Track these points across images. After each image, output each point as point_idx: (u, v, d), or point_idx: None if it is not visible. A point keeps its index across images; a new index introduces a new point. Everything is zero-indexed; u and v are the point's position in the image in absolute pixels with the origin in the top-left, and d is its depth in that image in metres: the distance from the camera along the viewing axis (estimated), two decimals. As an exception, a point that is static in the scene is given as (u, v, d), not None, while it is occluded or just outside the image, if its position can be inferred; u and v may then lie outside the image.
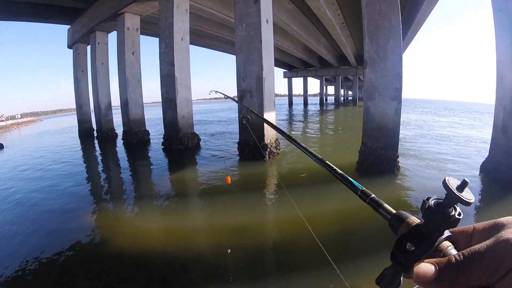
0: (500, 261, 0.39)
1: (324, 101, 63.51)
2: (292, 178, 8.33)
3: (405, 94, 8.06)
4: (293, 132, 19.27)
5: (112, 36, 20.18)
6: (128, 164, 12.28)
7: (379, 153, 8.02)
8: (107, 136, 20.32)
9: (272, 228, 5.58)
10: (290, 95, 64.55)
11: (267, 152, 10.05)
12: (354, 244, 4.69)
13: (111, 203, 7.51)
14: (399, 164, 8.13)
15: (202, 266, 4.17)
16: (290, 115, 35.05)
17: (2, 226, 5.94)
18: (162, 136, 14.17)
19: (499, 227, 0.44)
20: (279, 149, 10.92)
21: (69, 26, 23.11)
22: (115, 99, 19.76)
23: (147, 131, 17.87)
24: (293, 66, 52.93)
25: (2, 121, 58.72)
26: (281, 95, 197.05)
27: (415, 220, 0.52)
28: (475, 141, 13.40)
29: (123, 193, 8.39)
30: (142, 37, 18.09)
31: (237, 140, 11.20)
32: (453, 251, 0.47)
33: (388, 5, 7.79)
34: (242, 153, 10.65)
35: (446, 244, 0.48)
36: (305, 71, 54.59)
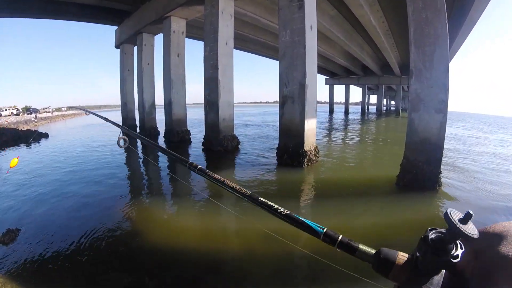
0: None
1: (366, 110, 62.32)
2: (329, 188, 8.23)
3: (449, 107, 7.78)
4: (332, 139, 19.12)
5: (158, 38, 20.80)
6: (168, 162, 12.58)
7: (421, 168, 7.71)
8: (149, 133, 20.95)
9: (305, 237, 5.55)
10: (331, 103, 63.92)
11: (306, 159, 10.01)
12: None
13: (148, 198, 7.72)
14: (441, 180, 7.85)
15: (231, 269, 4.22)
16: (330, 123, 34.71)
17: (38, 215, 6.19)
18: (203, 136, 14.44)
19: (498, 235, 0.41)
20: (318, 157, 10.86)
21: (116, 27, 24.11)
22: (159, 99, 20.36)
23: (189, 131, 18.32)
24: (335, 73, 52.46)
25: (49, 112, 61.47)
26: (322, 102, 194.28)
27: (403, 255, 0.49)
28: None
29: (160, 189, 8.68)
30: (187, 40, 18.52)
31: (275, 145, 11.25)
32: None
33: (434, 13, 7.58)
34: (280, 158, 10.66)
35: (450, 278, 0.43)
36: (347, 78, 53.98)
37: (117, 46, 24.88)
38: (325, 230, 0.64)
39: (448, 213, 0.43)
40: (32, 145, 17.23)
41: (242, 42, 27.37)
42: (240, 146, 14.56)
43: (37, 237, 5.00)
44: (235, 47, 19.86)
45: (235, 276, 4.05)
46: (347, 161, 11.65)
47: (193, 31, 21.42)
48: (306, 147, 10.18)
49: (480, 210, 6.47)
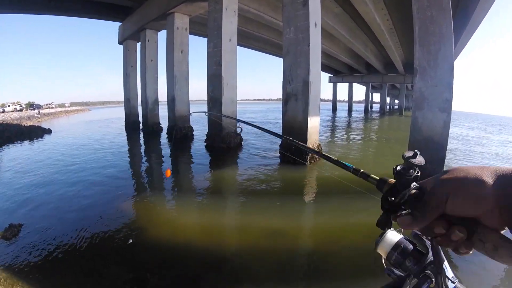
0: (440, 199, 0.55)
1: (369, 109, 62.01)
2: (332, 186, 8.20)
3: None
4: (335, 137, 19.10)
5: (162, 34, 20.83)
6: (171, 158, 12.60)
7: (424, 167, 7.68)
8: (152, 129, 20.99)
9: (307, 235, 5.54)
10: (335, 101, 63.44)
11: (308, 157, 9.98)
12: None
13: (150, 193, 7.73)
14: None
15: (233, 267, 4.19)
16: (334, 121, 34.65)
17: (41, 210, 6.18)
18: (206, 133, 14.42)
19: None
20: (321, 154, 10.79)
21: (120, 23, 24.11)
22: (162, 95, 20.39)
23: (191, 127, 18.32)
24: (338, 71, 52.21)
25: (52, 108, 61.88)
26: (325, 100, 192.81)
27: (392, 180, 0.71)
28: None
29: (163, 185, 8.63)
30: (191, 37, 18.52)
31: (278, 142, 11.27)
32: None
33: (439, 12, 7.54)
34: (283, 156, 10.65)
35: (415, 191, 0.65)
36: (351, 76, 53.66)
37: (120, 43, 24.84)
38: (354, 166, 0.91)
39: (403, 153, 0.68)
40: (35, 141, 17.28)
41: (246, 39, 27.28)
42: (242, 143, 14.54)
43: (39, 233, 5.00)
44: (239, 44, 19.80)
45: (236, 273, 4.04)
46: (350, 159, 11.61)
47: (197, 27, 21.36)
48: (309, 145, 10.08)
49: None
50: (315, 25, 10.12)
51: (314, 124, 10.41)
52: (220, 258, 4.36)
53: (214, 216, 6.12)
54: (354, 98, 65.22)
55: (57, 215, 5.92)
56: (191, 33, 19.13)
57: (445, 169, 0.66)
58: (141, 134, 20.41)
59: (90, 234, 4.95)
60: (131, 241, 4.21)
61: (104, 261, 4.19)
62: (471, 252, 0.54)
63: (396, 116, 49.33)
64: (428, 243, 0.67)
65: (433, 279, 0.61)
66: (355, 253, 4.50)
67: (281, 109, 10.99)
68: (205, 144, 14.11)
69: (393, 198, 0.66)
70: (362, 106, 74.15)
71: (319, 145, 10.79)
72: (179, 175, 9.88)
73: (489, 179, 0.51)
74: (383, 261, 0.73)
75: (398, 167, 0.68)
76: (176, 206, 6.88)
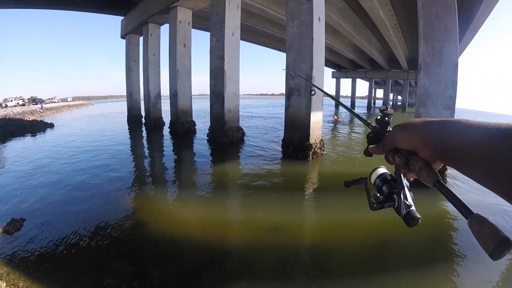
0: (391, 137, 0.73)
1: (372, 105, 61.85)
2: (333, 181, 8.16)
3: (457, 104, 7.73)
4: (338, 133, 19.07)
5: (164, 29, 20.79)
6: (173, 153, 12.60)
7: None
8: (154, 124, 21.08)
9: (309, 231, 5.52)
10: (338, 96, 63.34)
11: (311, 152, 9.95)
12: (389, 255, 4.53)
13: (152, 188, 7.75)
14: (446, 178, 7.72)
15: (234, 262, 4.19)
16: (336, 116, 34.51)
17: (43, 205, 6.15)
18: (208, 128, 14.41)
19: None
20: (324, 150, 10.78)
21: (122, 17, 24.03)
22: (164, 89, 20.38)
23: (194, 121, 18.34)
24: (342, 66, 52.03)
25: (55, 102, 62.20)
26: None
27: (377, 125, 0.85)
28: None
29: (165, 180, 8.66)
30: (193, 31, 18.46)
31: (280, 137, 11.26)
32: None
33: (444, 8, 7.49)
34: (285, 151, 10.61)
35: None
36: (354, 72, 53.53)
37: (123, 37, 24.82)
38: (365, 118, 1.03)
39: (380, 108, 0.85)
40: (38, 135, 17.30)
41: (249, 34, 27.14)
42: (245, 138, 14.53)
43: (41, 227, 5.01)
44: (242, 39, 19.73)
45: (238, 268, 4.03)
46: (352, 155, 11.56)
47: (200, 21, 21.27)
48: (312, 140, 10.11)
49: (479, 210, 6.39)
50: (319, 19, 10.06)
51: (317, 120, 10.36)
52: (222, 253, 4.35)
53: (216, 210, 6.11)
54: (357, 94, 65.11)
55: (59, 209, 5.92)
56: (194, 27, 19.06)
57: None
58: (144, 128, 20.44)
59: (92, 228, 4.96)
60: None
61: (106, 254, 4.19)
62: (411, 174, 0.71)
63: (399, 112, 49.07)
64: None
65: (396, 201, 0.77)
66: (357, 249, 4.49)
67: (284, 104, 10.95)
68: (208, 138, 14.12)
69: (372, 135, 0.85)
70: (365, 102, 73.97)
71: (321, 140, 10.75)
72: (181, 170, 9.86)
73: (420, 125, 0.67)
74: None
75: (378, 117, 0.85)
76: (178, 200, 6.88)
